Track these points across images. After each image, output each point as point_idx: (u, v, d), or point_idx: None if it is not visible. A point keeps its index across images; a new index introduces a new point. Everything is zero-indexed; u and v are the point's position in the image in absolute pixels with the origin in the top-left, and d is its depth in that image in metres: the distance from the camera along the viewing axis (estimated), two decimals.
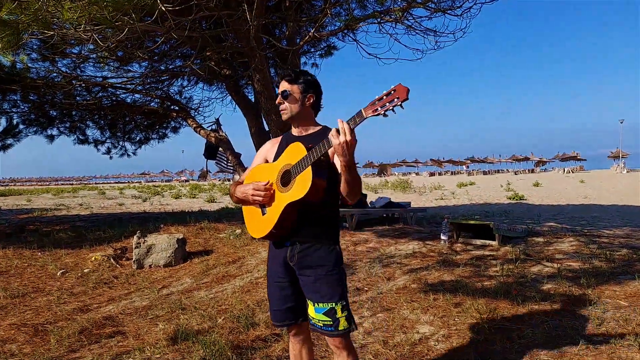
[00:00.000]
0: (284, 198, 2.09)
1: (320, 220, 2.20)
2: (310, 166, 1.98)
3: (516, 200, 16.70)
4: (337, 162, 2.07)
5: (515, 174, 47.46)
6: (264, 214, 2.20)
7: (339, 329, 2.14)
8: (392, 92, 1.81)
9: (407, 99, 1.78)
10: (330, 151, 2.03)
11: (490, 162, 63.67)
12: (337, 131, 1.86)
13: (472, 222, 6.90)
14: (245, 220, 2.33)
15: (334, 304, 2.14)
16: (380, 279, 5.03)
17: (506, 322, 3.68)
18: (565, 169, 48.90)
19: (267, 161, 2.37)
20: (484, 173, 53.69)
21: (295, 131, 2.31)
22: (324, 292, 2.14)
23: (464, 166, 61.44)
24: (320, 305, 2.14)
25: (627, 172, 42.36)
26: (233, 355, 3.23)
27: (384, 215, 8.98)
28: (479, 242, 6.51)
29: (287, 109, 2.23)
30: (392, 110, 1.81)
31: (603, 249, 5.88)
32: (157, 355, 3.33)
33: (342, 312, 2.14)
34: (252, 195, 2.16)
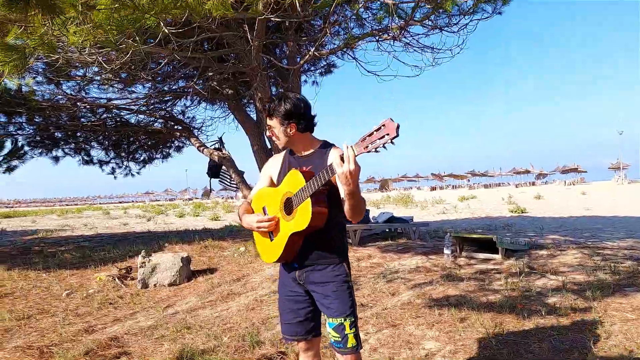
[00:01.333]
0: (288, 227, 2.15)
1: (326, 242, 2.23)
2: (309, 197, 2.01)
3: (518, 213, 16.67)
4: (340, 184, 2.01)
5: (517, 187, 47.34)
6: (272, 239, 2.25)
7: (347, 346, 2.17)
8: (382, 127, 1.76)
9: (397, 135, 1.73)
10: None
11: (490, 176, 63.61)
12: (342, 158, 1.85)
13: (475, 235, 6.90)
14: (256, 245, 2.38)
15: (342, 319, 2.18)
16: (385, 295, 5.03)
17: (512, 337, 3.68)
18: (566, 181, 48.80)
19: (272, 179, 2.40)
20: (485, 186, 53.58)
21: (295, 150, 2.34)
22: (335, 308, 2.19)
23: (464, 180, 61.39)
24: (331, 320, 2.20)
25: (629, 183, 42.24)
26: None
27: (387, 230, 8.99)
28: (482, 255, 6.50)
29: (276, 141, 2.31)
30: (383, 147, 1.77)
31: (607, 260, 5.87)
32: None
33: (350, 329, 2.18)
34: (257, 227, 2.22)
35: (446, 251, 6.55)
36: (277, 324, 4.36)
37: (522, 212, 16.80)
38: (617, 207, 18.03)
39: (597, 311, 4.09)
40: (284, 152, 2.42)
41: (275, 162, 2.43)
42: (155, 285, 6.26)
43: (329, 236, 2.22)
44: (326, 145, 2.30)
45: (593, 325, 3.77)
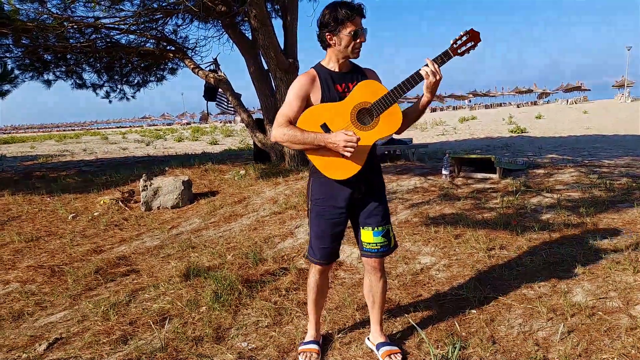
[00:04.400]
0: (370, 136, 2.18)
1: (375, 153, 2.37)
2: (396, 103, 2.15)
3: (518, 133, 16.63)
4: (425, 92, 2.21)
5: (518, 107, 46.83)
6: (344, 155, 2.15)
7: (391, 246, 2.41)
8: (467, 35, 2.13)
9: (480, 40, 2.15)
10: None
11: (492, 96, 62.60)
12: (431, 72, 2.09)
13: (473, 156, 6.93)
14: (318, 163, 2.22)
15: (389, 225, 2.39)
16: None
17: (505, 251, 3.82)
18: (569, 100, 48.14)
19: (309, 99, 2.23)
20: (486, 107, 52.96)
21: (342, 66, 2.26)
22: (384, 216, 2.36)
23: (465, 101, 60.50)
24: (379, 228, 2.34)
25: (631, 101, 41.67)
26: (244, 289, 3.39)
27: (386, 152, 9.01)
28: (480, 175, 6.57)
29: (358, 51, 2.25)
30: (468, 52, 2.16)
31: (603, 178, 5.94)
32: (171, 291, 3.50)
33: (392, 231, 2.42)
34: (345, 147, 2.08)
35: (444, 172, 6.61)
36: (279, 242, 4.52)
37: (522, 132, 16.77)
38: (618, 125, 17.95)
39: (589, 226, 4.21)
40: (310, 72, 2.27)
41: (309, 83, 2.23)
42: (158, 207, 6.40)
43: (375, 146, 2.35)
44: (355, 65, 2.35)
45: (584, 240, 3.90)
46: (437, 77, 2.10)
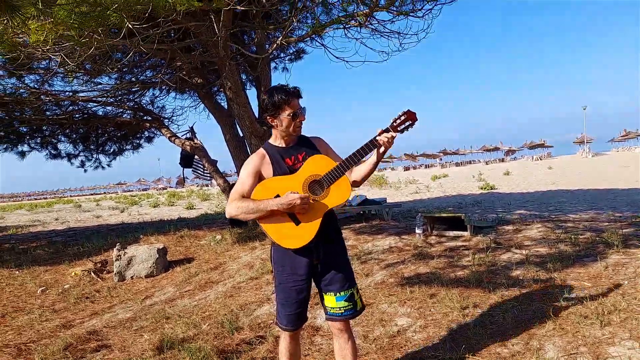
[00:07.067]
0: (322, 206, 2.29)
1: (334, 218, 2.48)
2: (344, 174, 2.29)
3: (487, 190, 17.16)
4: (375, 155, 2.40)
5: (487, 164, 48.47)
6: (297, 224, 2.28)
7: (357, 309, 2.44)
8: (404, 116, 2.33)
9: (417, 120, 2.35)
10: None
11: (462, 154, 64.82)
12: (390, 138, 2.28)
13: (444, 214, 7.13)
14: (272, 234, 2.31)
15: (352, 289, 2.43)
16: (359, 276, 5.19)
17: (479, 309, 3.89)
18: (534, 157, 50.15)
19: (260, 176, 2.37)
20: (457, 165, 54.60)
21: (288, 141, 2.43)
22: (347, 280, 2.41)
23: (437, 159, 62.38)
24: (342, 293, 2.39)
25: (592, 156, 43.72)
26: None
27: (361, 212, 9.16)
28: (452, 233, 6.74)
29: (299, 129, 2.43)
30: (407, 130, 2.36)
31: (568, 233, 6.17)
32: None
33: (357, 294, 2.46)
34: (301, 204, 2.21)
35: (418, 230, 6.76)
36: (255, 309, 4.48)
37: (492, 189, 17.30)
38: (581, 180, 18.73)
39: (557, 282, 4.34)
40: (260, 151, 2.44)
41: (260, 160, 2.39)
42: (132, 277, 6.29)
43: (334, 214, 2.48)
44: (302, 137, 2.48)
45: (553, 295, 4.01)
46: (391, 145, 2.29)
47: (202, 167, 9.22)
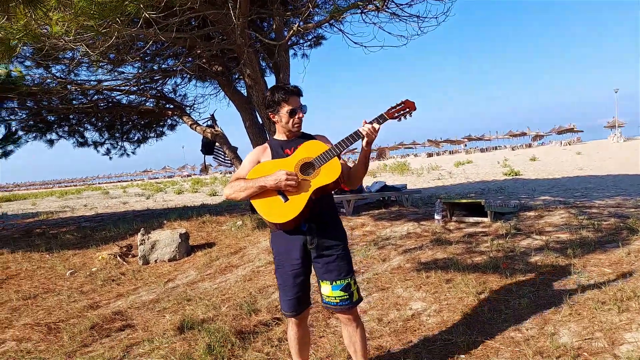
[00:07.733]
0: (311, 184, 2.34)
1: (331, 204, 2.52)
2: (336, 157, 2.34)
3: (512, 176, 16.85)
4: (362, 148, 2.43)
5: (513, 150, 47.46)
6: (285, 200, 2.35)
7: (353, 300, 2.45)
8: (402, 104, 2.41)
9: (415, 109, 2.42)
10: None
11: (487, 140, 63.57)
12: (370, 130, 2.33)
13: (464, 200, 7.07)
14: (262, 210, 2.39)
15: (349, 279, 2.44)
16: (376, 261, 5.23)
17: (494, 295, 3.88)
18: (563, 142, 48.85)
19: (259, 163, 2.50)
20: (482, 150, 53.65)
21: (290, 135, 2.53)
22: (341, 269, 2.43)
23: (461, 145, 61.39)
24: (338, 282, 2.41)
25: (624, 141, 42.30)
26: (237, 340, 3.44)
27: (381, 198, 9.16)
28: (471, 219, 6.69)
29: (299, 125, 2.52)
30: (404, 117, 2.43)
31: (592, 219, 6.05)
32: (165, 345, 3.54)
33: (354, 285, 2.46)
34: (287, 180, 2.29)
35: (436, 216, 6.73)
36: (273, 292, 4.58)
37: (516, 175, 16.99)
38: (611, 165, 18.21)
39: (576, 267, 4.29)
40: (264, 144, 2.59)
41: (261, 151, 2.55)
42: (156, 261, 6.48)
43: (331, 199, 2.52)
44: (304, 135, 2.57)
45: (571, 281, 3.97)
46: (374, 136, 2.35)
47: (223, 154, 9.34)
